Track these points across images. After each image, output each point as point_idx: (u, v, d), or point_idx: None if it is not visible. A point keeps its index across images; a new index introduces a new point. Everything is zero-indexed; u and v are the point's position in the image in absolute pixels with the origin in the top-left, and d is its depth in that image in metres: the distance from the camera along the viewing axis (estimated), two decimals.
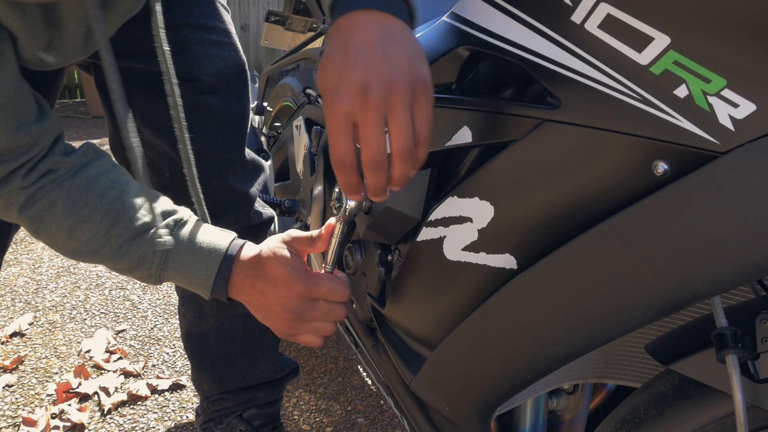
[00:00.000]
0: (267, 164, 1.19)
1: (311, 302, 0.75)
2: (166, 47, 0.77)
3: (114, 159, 1.15)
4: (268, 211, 1.17)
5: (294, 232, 0.78)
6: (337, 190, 0.75)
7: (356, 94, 0.56)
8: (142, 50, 0.94)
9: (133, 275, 0.82)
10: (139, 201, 0.81)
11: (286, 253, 0.76)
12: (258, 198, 1.16)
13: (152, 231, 0.80)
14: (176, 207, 0.83)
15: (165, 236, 0.79)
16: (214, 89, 1.02)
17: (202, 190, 1.03)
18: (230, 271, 0.79)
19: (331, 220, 0.77)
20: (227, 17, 1.06)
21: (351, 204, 0.71)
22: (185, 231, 0.81)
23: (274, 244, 0.77)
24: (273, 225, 1.21)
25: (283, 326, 0.77)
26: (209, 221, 0.87)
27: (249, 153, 1.11)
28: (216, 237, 0.81)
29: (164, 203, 0.82)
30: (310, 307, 0.75)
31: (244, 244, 0.81)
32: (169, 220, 0.81)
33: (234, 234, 0.83)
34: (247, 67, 1.08)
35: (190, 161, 0.83)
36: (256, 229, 1.16)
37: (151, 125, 1.00)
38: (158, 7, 0.75)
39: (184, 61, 0.99)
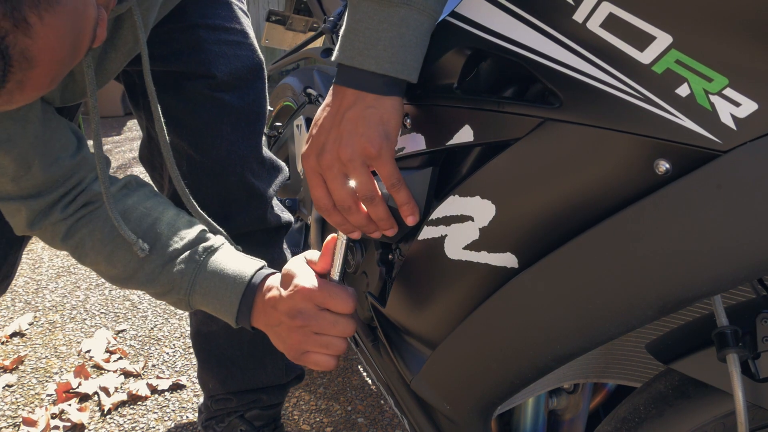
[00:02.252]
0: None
1: (317, 311, 0.75)
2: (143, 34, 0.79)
3: (147, 170, 1.19)
4: (286, 215, 1.17)
5: (312, 254, 0.80)
6: None
7: (316, 154, 0.68)
8: (163, 53, 0.98)
9: (167, 300, 0.87)
10: (172, 228, 0.85)
11: (305, 266, 0.78)
12: (276, 201, 1.16)
13: (181, 258, 0.84)
14: (209, 234, 0.87)
15: (192, 263, 0.84)
16: (231, 87, 1.03)
17: (219, 186, 1.05)
18: (253, 299, 0.81)
19: (332, 235, 0.78)
20: (245, 20, 1.09)
21: None
22: (213, 258, 0.84)
23: (295, 261, 0.79)
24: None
25: (290, 340, 0.76)
26: (196, 206, 0.89)
27: (267, 152, 1.12)
28: (243, 265, 0.83)
29: (196, 230, 0.86)
30: (316, 316, 0.74)
31: (271, 273, 0.83)
32: (199, 247, 0.85)
33: (262, 263, 0.85)
34: (264, 66, 1.09)
35: (165, 137, 0.87)
36: (273, 232, 1.16)
37: (169, 124, 1.02)
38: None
39: (200, 60, 1.00)
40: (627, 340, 0.77)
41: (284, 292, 0.77)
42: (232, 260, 0.84)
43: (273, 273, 0.83)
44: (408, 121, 0.72)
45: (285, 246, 1.21)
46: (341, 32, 0.66)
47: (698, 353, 0.60)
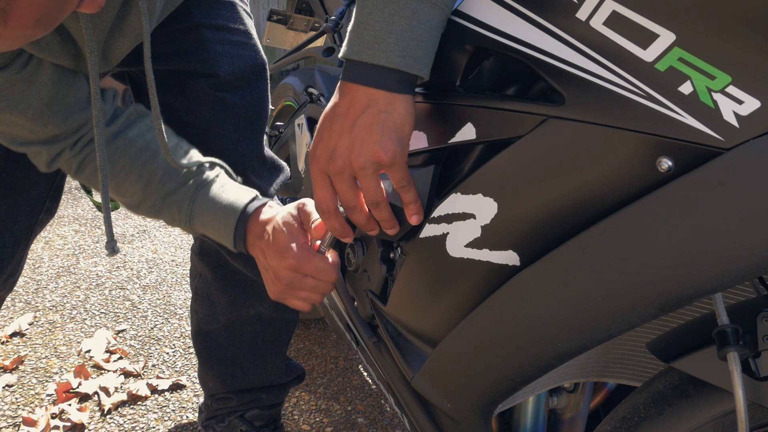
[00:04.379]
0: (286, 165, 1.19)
1: (301, 277, 0.79)
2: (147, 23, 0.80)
3: None
4: None
5: (307, 205, 0.82)
6: None
7: (326, 158, 0.67)
8: (166, 52, 0.99)
9: (175, 227, 0.93)
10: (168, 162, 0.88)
11: (293, 223, 0.81)
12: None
13: (178, 192, 0.88)
14: (205, 166, 0.90)
15: (187, 198, 0.88)
16: (233, 86, 1.04)
17: None
18: (245, 229, 0.85)
19: None
20: (248, 21, 1.09)
21: None
22: (207, 191, 0.88)
23: (286, 212, 0.82)
24: None
25: (273, 288, 0.82)
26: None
27: (268, 151, 1.13)
28: (236, 196, 0.87)
29: (193, 164, 0.89)
30: (299, 281, 0.80)
31: (264, 204, 0.86)
32: (193, 181, 0.88)
33: (254, 193, 0.89)
34: (267, 66, 1.09)
35: (161, 125, 0.87)
36: None
37: (171, 122, 1.02)
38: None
39: (203, 59, 1.01)
40: (627, 339, 0.77)
41: (274, 248, 0.80)
42: (225, 193, 0.88)
43: (264, 203, 0.86)
44: None
45: None
46: (349, 28, 0.65)
47: (699, 352, 0.61)
